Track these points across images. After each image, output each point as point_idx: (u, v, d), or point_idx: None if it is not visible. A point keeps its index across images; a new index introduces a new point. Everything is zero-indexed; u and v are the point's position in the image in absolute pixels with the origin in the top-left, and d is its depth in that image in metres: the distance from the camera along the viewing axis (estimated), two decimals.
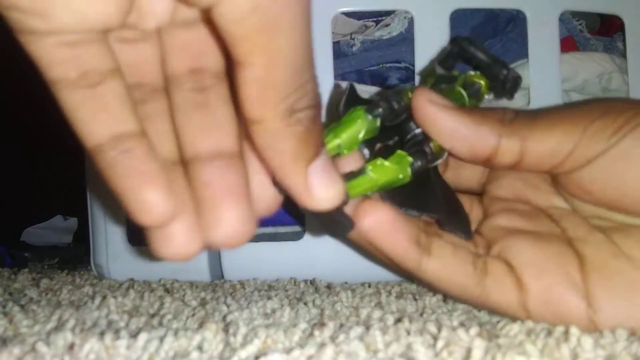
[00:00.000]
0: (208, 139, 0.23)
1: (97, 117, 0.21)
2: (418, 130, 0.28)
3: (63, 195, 0.83)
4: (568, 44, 0.48)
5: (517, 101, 0.46)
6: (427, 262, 0.27)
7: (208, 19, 0.22)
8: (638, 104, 0.27)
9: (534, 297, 0.26)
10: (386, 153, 0.27)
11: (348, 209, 0.26)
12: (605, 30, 0.53)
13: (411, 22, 0.42)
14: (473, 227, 0.30)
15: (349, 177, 0.26)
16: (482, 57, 0.32)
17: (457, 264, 0.27)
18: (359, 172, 0.26)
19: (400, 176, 0.27)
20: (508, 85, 0.31)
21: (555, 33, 0.42)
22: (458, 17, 0.44)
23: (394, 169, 0.27)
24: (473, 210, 0.31)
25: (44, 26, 0.20)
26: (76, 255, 0.69)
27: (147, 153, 0.22)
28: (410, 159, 0.27)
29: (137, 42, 0.23)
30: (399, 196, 0.28)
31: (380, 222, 0.26)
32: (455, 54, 0.33)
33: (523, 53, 0.44)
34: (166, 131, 0.23)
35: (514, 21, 0.46)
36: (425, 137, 0.28)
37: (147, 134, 0.22)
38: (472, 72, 0.32)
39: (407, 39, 0.43)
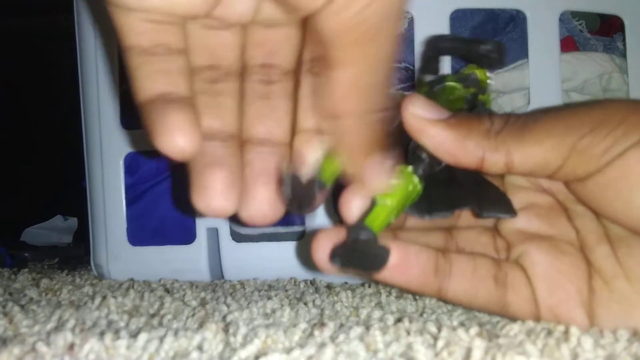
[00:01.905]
0: (262, 126, 0.26)
1: (154, 76, 0.23)
2: None
3: (63, 195, 0.83)
4: (568, 44, 0.48)
5: (517, 101, 0.46)
6: (448, 285, 0.27)
7: (303, 20, 0.25)
8: (638, 110, 0.25)
9: (545, 311, 0.27)
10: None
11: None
12: (605, 30, 0.53)
13: (411, 22, 0.42)
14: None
15: (365, 214, 0.26)
16: (457, 44, 0.32)
17: (478, 282, 0.27)
18: (371, 205, 0.26)
19: (410, 188, 0.26)
20: (493, 55, 0.31)
21: (555, 33, 0.42)
22: (458, 17, 0.44)
23: (400, 186, 0.26)
24: None
25: (137, 4, 0.23)
26: (76, 255, 0.69)
27: (186, 106, 0.23)
28: (409, 169, 0.27)
29: (220, 30, 0.26)
30: (424, 204, 0.27)
31: (391, 264, 0.26)
32: (433, 56, 0.32)
33: (523, 53, 0.44)
34: (231, 108, 0.26)
35: (514, 21, 0.46)
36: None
37: (195, 103, 0.24)
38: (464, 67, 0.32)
39: (407, 39, 0.43)
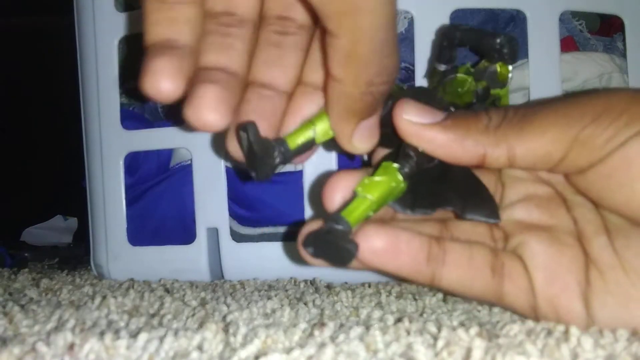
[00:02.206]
0: (268, 72, 0.27)
1: (162, 23, 0.24)
2: None
3: (63, 195, 0.83)
4: (568, 44, 0.48)
5: (517, 101, 0.46)
6: (442, 273, 0.26)
7: None
8: (637, 102, 0.25)
9: (543, 302, 0.26)
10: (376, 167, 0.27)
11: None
12: (605, 30, 0.53)
13: (411, 22, 0.42)
14: None
15: (344, 206, 0.26)
16: (470, 35, 0.31)
17: (474, 271, 0.27)
18: (351, 197, 0.26)
19: (393, 184, 0.26)
20: (505, 51, 0.30)
21: (555, 33, 0.42)
22: (458, 17, 0.44)
23: (383, 181, 0.26)
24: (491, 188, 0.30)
25: None
26: (76, 255, 0.69)
27: (179, 52, 0.23)
28: (396, 165, 0.26)
29: None
30: (408, 200, 0.27)
31: (379, 248, 0.26)
32: (447, 45, 0.32)
33: (523, 53, 0.44)
34: (240, 50, 0.26)
35: (514, 21, 0.46)
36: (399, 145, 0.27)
37: (198, 51, 0.24)
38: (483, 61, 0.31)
39: (407, 39, 0.43)
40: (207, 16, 0.25)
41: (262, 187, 0.48)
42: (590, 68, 0.46)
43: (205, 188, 0.45)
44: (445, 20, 0.41)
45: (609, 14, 0.47)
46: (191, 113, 0.24)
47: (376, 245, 0.26)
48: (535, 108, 0.26)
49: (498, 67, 0.31)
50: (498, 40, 0.30)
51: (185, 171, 0.47)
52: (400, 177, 0.26)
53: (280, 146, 0.27)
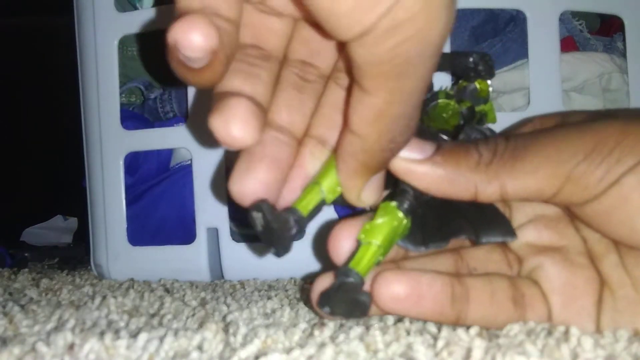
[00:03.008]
0: (287, 116, 0.27)
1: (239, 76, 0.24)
2: None
3: (63, 195, 0.83)
4: (568, 44, 0.48)
5: (517, 101, 0.46)
6: (467, 313, 0.26)
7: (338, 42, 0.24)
8: (631, 133, 0.24)
9: (558, 322, 0.26)
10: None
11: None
12: (605, 30, 0.53)
13: None
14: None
15: (351, 256, 0.25)
16: (443, 59, 0.31)
17: (497, 306, 0.26)
18: (357, 246, 0.26)
19: (395, 223, 0.26)
20: (480, 68, 0.31)
21: (555, 33, 0.42)
22: (458, 17, 0.44)
23: (385, 222, 0.26)
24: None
25: None
26: (76, 255, 0.69)
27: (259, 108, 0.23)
28: (394, 204, 0.26)
29: (272, 15, 0.26)
30: (418, 236, 0.26)
31: (401, 295, 0.25)
32: None
33: (523, 53, 0.44)
34: (265, 83, 0.26)
35: (514, 21, 0.46)
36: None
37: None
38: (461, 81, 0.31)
39: None
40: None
41: None
42: (590, 68, 0.46)
43: (205, 188, 0.45)
44: None
45: (609, 14, 0.47)
46: (219, 125, 0.23)
47: (398, 292, 0.25)
48: (526, 142, 0.25)
49: (477, 84, 0.31)
50: (471, 59, 0.30)
51: (185, 171, 0.48)
52: (401, 215, 0.26)
53: (294, 216, 0.26)
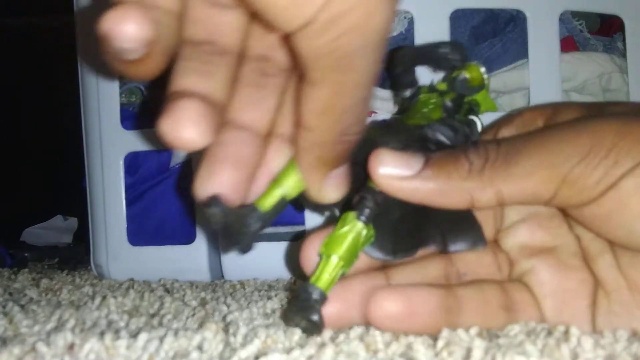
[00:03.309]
0: (248, 113, 0.26)
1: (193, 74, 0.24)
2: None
3: (63, 195, 0.83)
4: (568, 44, 0.48)
5: (517, 101, 0.46)
6: (459, 323, 0.25)
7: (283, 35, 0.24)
8: (628, 133, 0.23)
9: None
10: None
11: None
12: (605, 30, 0.53)
13: (411, 22, 0.42)
14: (492, 230, 0.28)
15: (313, 272, 0.25)
16: (415, 52, 0.31)
17: (490, 315, 0.26)
18: (318, 261, 0.25)
19: (355, 234, 0.25)
20: (451, 57, 0.30)
21: (555, 33, 0.42)
22: (458, 17, 0.44)
23: (343, 234, 0.25)
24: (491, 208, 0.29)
25: None
26: (76, 255, 0.69)
27: (214, 107, 0.23)
28: (353, 213, 0.25)
29: (224, 9, 0.25)
30: (388, 245, 0.26)
31: (394, 313, 0.25)
32: (402, 70, 0.32)
33: (523, 53, 0.44)
34: (220, 81, 0.25)
35: (514, 21, 0.46)
36: (364, 183, 0.26)
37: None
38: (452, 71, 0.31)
39: (407, 39, 0.43)
40: (188, 44, 0.24)
41: None
42: (590, 68, 0.46)
43: None
44: (445, 20, 0.41)
45: (609, 14, 0.47)
46: (168, 128, 0.22)
47: (391, 310, 0.25)
48: (519, 145, 0.25)
49: (467, 73, 0.30)
50: (441, 50, 0.30)
51: None
52: (360, 225, 0.25)
53: (253, 212, 0.25)
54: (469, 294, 0.26)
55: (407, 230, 0.26)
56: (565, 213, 0.26)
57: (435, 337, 0.24)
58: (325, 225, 0.28)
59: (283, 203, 0.26)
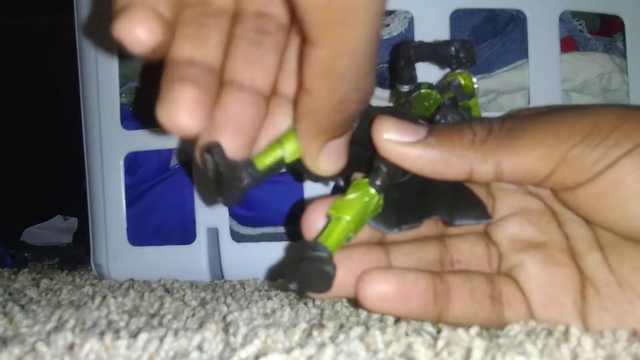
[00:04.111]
0: (247, 71, 0.25)
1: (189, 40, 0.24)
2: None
3: (63, 195, 0.83)
4: (568, 44, 0.48)
5: (517, 101, 0.46)
6: (448, 310, 0.26)
7: None
8: (630, 118, 0.24)
9: (541, 321, 0.26)
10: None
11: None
12: (605, 30, 0.53)
13: (411, 22, 0.42)
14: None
15: (320, 233, 0.25)
16: (423, 49, 0.31)
17: (477, 304, 0.26)
18: (327, 222, 0.25)
19: (367, 199, 0.25)
20: (462, 55, 0.30)
21: (555, 33, 0.42)
22: (458, 17, 0.44)
23: (356, 198, 0.25)
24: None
25: None
26: (76, 255, 0.69)
27: (209, 82, 0.23)
28: (366, 180, 0.26)
29: None
30: (393, 218, 0.26)
31: (389, 294, 0.25)
32: (404, 64, 0.32)
33: (523, 53, 0.44)
34: (216, 44, 0.25)
35: (514, 21, 0.46)
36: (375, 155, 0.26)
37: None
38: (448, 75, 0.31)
39: (407, 39, 0.43)
40: (181, 6, 0.24)
41: (263, 187, 0.47)
42: (590, 68, 0.46)
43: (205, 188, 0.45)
44: (445, 20, 0.41)
45: (609, 14, 0.47)
46: (165, 115, 0.23)
47: (384, 291, 0.25)
48: (523, 122, 0.25)
49: (462, 79, 0.30)
50: (453, 48, 0.30)
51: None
52: (373, 191, 0.25)
53: (248, 168, 0.25)
54: (457, 281, 0.26)
55: (411, 205, 0.27)
56: (556, 196, 0.26)
57: (435, 337, 0.24)
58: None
59: (280, 164, 0.26)
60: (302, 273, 0.24)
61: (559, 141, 0.24)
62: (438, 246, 0.28)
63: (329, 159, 0.25)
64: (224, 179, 0.24)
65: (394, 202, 0.26)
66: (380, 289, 0.25)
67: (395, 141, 0.25)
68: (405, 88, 0.32)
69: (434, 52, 0.31)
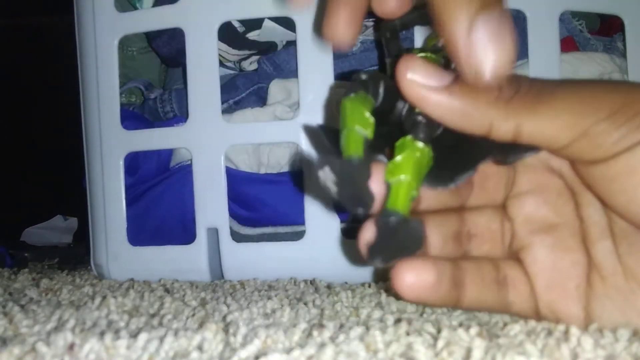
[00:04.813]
0: None
1: None
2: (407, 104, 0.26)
3: (63, 195, 0.83)
4: (568, 44, 0.48)
5: None
6: (464, 295, 0.26)
7: None
8: None
9: (543, 306, 0.27)
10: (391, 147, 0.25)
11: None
12: (605, 30, 0.53)
13: None
14: (502, 194, 0.29)
15: (385, 201, 0.24)
16: (410, 16, 0.29)
17: (486, 289, 0.27)
18: (387, 189, 0.24)
19: (418, 155, 0.24)
20: None
21: (555, 33, 0.42)
22: None
23: (406, 156, 0.24)
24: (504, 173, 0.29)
25: None
26: (76, 255, 0.69)
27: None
28: (409, 137, 0.25)
29: None
30: (445, 172, 0.26)
31: (425, 284, 0.25)
32: (390, 36, 0.31)
33: (523, 53, 0.44)
34: None
35: (514, 21, 0.46)
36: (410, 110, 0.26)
37: None
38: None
39: (407, 39, 0.43)
40: None
41: (262, 187, 0.48)
42: (590, 68, 0.46)
43: (205, 188, 0.45)
44: None
45: (609, 14, 0.47)
46: (327, 29, 0.26)
47: (424, 280, 0.25)
48: (552, 87, 0.24)
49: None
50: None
51: (185, 171, 0.48)
52: (421, 145, 0.25)
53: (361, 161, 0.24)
54: (470, 268, 0.27)
55: (455, 157, 0.26)
56: (574, 168, 0.26)
57: (435, 337, 0.24)
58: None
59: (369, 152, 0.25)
60: (388, 244, 0.23)
61: (585, 113, 0.23)
62: (457, 220, 0.28)
63: (487, 43, 0.22)
64: (355, 182, 0.24)
65: (436, 159, 0.26)
66: (420, 279, 0.25)
67: (418, 83, 0.24)
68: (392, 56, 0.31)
69: (418, 16, 0.29)
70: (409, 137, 0.25)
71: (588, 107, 0.23)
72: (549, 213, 0.28)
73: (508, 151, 0.26)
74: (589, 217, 0.27)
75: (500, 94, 0.24)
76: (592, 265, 0.26)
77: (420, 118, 0.25)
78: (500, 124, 0.24)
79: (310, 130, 0.25)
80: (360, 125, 0.25)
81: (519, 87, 0.24)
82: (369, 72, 0.27)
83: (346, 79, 0.45)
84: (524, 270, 0.27)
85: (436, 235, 0.27)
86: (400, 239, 0.23)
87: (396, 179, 0.24)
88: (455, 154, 0.26)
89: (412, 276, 0.25)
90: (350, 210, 0.24)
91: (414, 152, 0.24)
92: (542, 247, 0.27)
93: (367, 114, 0.25)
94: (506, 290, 0.27)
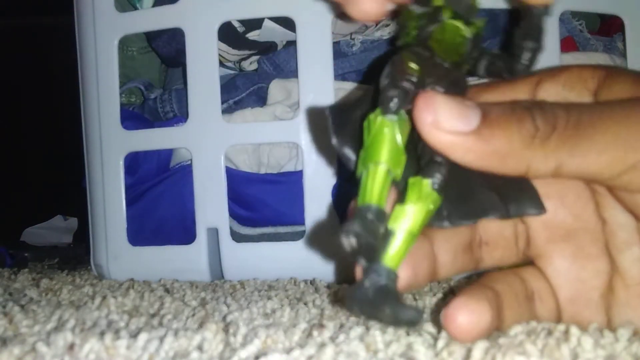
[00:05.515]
0: None
1: None
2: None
3: (63, 195, 0.83)
4: (568, 44, 0.48)
5: None
6: (504, 323, 0.24)
7: None
8: None
9: (567, 317, 0.26)
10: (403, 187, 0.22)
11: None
12: (605, 30, 0.53)
13: None
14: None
15: (382, 250, 0.21)
16: None
17: (522, 309, 0.25)
18: (387, 237, 0.21)
19: (432, 207, 0.22)
20: None
21: (555, 33, 0.42)
22: None
23: (419, 208, 0.21)
24: None
25: None
26: (76, 255, 0.69)
27: None
28: (426, 181, 0.22)
29: None
30: (441, 209, 0.23)
31: (477, 325, 0.23)
32: None
33: None
34: None
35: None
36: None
37: None
38: None
39: None
40: None
41: (262, 187, 0.48)
42: None
43: (205, 188, 0.45)
44: None
45: (609, 14, 0.47)
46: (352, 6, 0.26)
47: (485, 321, 0.23)
48: (592, 116, 0.22)
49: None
50: None
51: (185, 171, 0.48)
52: (435, 196, 0.22)
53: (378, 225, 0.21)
54: (504, 290, 0.25)
55: (461, 192, 0.23)
56: (610, 190, 0.25)
57: (435, 337, 0.24)
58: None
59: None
60: (375, 303, 0.21)
61: (631, 147, 0.22)
62: (467, 230, 0.26)
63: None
64: (371, 245, 0.21)
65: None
66: (475, 320, 0.23)
67: (444, 128, 0.21)
68: (418, 9, 0.25)
69: None
70: (426, 182, 0.22)
71: (632, 139, 0.22)
72: (567, 217, 0.26)
73: (511, 208, 0.24)
74: (613, 218, 0.25)
75: (537, 133, 0.22)
76: (615, 271, 0.25)
77: (440, 159, 0.22)
78: (539, 165, 0.22)
79: (326, 113, 0.23)
80: (392, 164, 0.22)
81: (555, 121, 0.22)
82: (410, 77, 0.23)
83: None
84: (548, 282, 0.26)
85: (444, 251, 0.25)
86: (388, 304, 0.21)
87: (401, 230, 0.21)
88: (458, 191, 0.23)
89: (466, 318, 0.23)
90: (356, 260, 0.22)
91: (428, 203, 0.22)
92: (562, 257, 0.26)
93: (401, 148, 0.22)
94: (534, 304, 0.26)
